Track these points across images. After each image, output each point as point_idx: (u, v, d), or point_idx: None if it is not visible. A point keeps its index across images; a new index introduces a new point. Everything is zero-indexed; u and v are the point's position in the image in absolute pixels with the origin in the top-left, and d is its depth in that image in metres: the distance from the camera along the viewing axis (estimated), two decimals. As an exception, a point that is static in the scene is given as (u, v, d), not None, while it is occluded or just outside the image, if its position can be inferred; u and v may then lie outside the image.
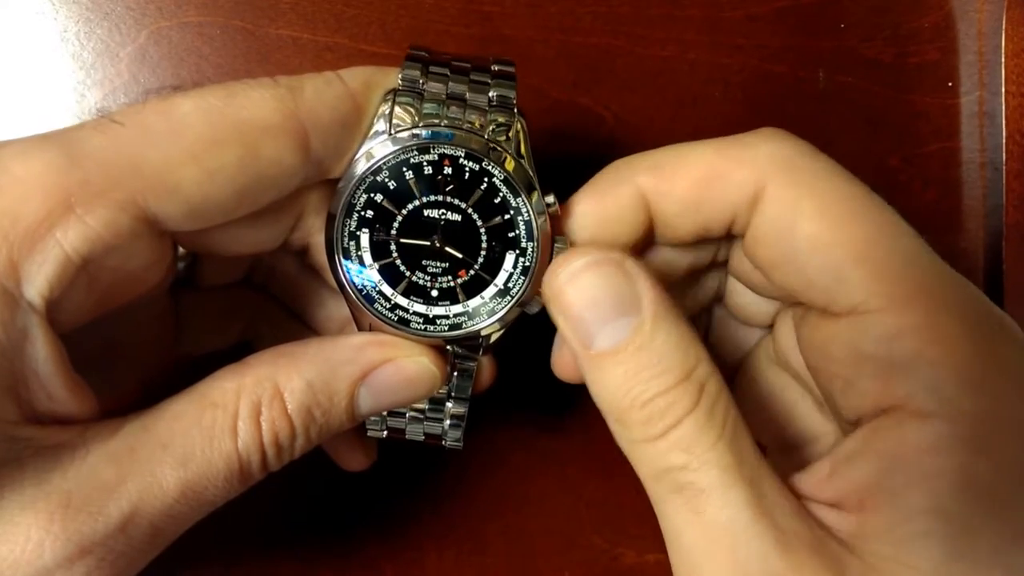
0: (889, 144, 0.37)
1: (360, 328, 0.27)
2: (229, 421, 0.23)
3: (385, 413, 0.28)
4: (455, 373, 0.28)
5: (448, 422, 0.29)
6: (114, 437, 0.23)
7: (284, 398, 0.24)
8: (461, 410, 0.29)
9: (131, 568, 0.23)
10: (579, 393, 0.35)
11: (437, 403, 0.28)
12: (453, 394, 0.28)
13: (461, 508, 0.35)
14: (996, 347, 0.23)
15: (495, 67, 0.26)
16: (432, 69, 0.25)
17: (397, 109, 0.25)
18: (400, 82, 0.25)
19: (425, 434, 0.29)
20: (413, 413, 0.29)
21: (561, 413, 0.36)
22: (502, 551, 0.35)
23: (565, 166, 0.35)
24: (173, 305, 0.29)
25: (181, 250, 0.29)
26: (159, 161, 0.22)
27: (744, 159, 0.25)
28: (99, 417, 0.24)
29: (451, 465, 0.35)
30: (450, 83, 0.25)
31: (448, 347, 0.27)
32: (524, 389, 0.35)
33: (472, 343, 0.27)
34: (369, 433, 0.29)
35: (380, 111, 0.25)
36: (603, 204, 0.26)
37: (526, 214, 0.26)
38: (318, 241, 0.26)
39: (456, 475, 0.35)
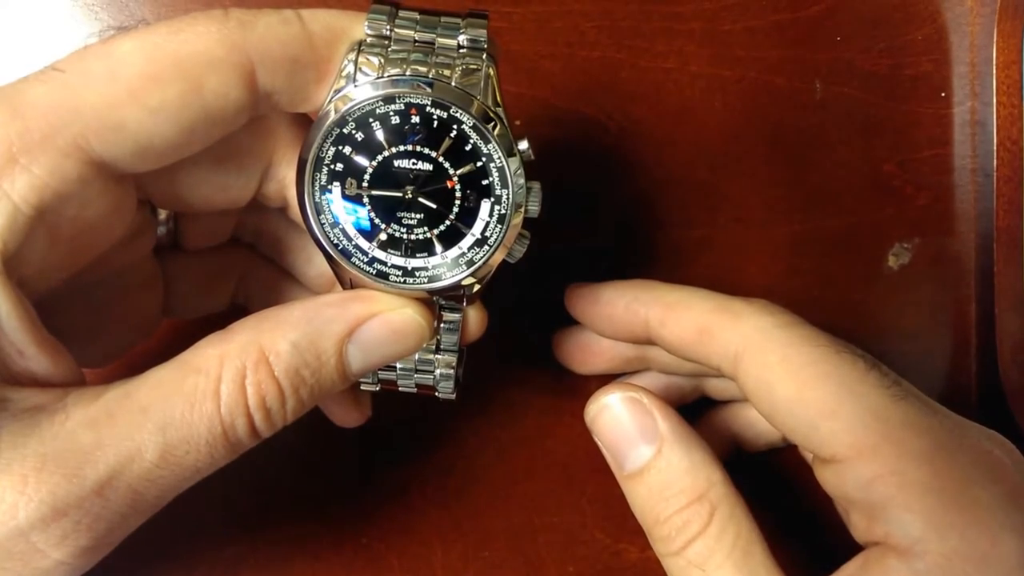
0: (884, 151, 0.38)
1: (343, 284, 0.27)
2: (211, 386, 0.23)
3: None
4: (441, 325, 0.28)
5: (439, 371, 0.29)
6: (95, 403, 0.22)
7: (270, 361, 0.23)
8: (451, 360, 0.29)
9: (113, 533, 0.23)
10: (581, 392, 0.36)
11: (427, 355, 0.28)
12: (442, 347, 0.28)
13: (467, 505, 0.36)
14: (967, 487, 0.25)
15: (467, 12, 0.25)
16: (401, 14, 0.25)
17: (364, 58, 0.24)
18: (367, 31, 0.24)
19: (417, 385, 0.29)
20: (404, 365, 0.28)
21: (563, 413, 0.36)
22: (506, 546, 0.36)
23: (569, 172, 0.36)
24: (159, 269, 0.29)
25: (163, 214, 0.29)
26: (99, 102, 0.22)
27: (731, 324, 0.29)
28: (81, 382, 0.24)
29: (457, 462, 0.36)
30: (418, 28, 0.24)
31: (434, 299, 0.27)
32: (527, 388, 0.36)
33: (455, 294, 0.27)
34: (362, 387, 0.29)
35: (346, 62, 0.24)
36: (612, 321, 0.32)
37: (498, 160, 0.25)
38: (294, 196, 0.26)
39: (462, 472, 0.36)
